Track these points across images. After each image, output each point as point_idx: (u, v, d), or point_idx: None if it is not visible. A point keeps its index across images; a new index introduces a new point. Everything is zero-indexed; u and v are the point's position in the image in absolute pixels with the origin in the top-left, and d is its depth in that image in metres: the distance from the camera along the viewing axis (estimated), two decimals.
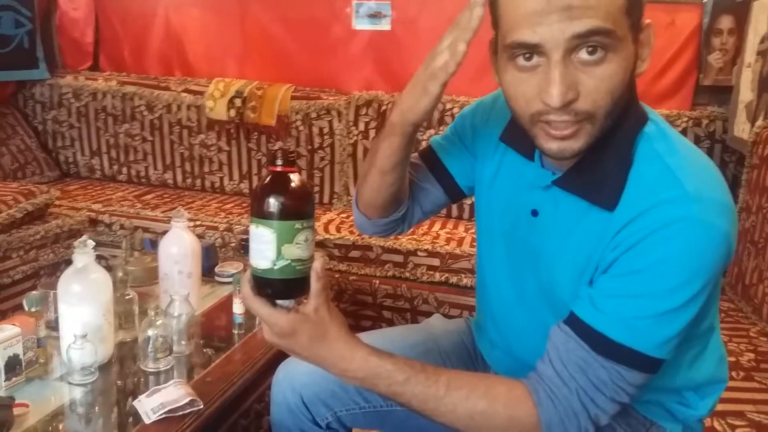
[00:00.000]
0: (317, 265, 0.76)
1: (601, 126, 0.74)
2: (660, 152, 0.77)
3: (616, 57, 0.71)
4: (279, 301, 0.77)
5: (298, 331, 0.78)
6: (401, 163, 0.93)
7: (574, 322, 0.78)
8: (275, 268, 0.73)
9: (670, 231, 0.71)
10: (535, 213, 0.88)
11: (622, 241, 0.75)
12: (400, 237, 2.26)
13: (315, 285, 0.77)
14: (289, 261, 0.73)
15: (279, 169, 0.75)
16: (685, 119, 2.38)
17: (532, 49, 0.71)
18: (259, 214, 0.73)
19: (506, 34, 0.73)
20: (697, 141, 2.36)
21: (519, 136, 0.84)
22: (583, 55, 0.70)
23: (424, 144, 1.09)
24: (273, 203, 0.72)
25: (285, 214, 0.73)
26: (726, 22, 2.43)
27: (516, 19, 0.71)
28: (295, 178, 0.75)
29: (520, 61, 0.73)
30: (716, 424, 1.16)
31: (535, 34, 0.70)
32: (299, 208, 0.74)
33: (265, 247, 0.73)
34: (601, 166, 0.78)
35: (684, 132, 2.36)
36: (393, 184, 0.95)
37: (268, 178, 0.75)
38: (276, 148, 0.72)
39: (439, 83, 0.79)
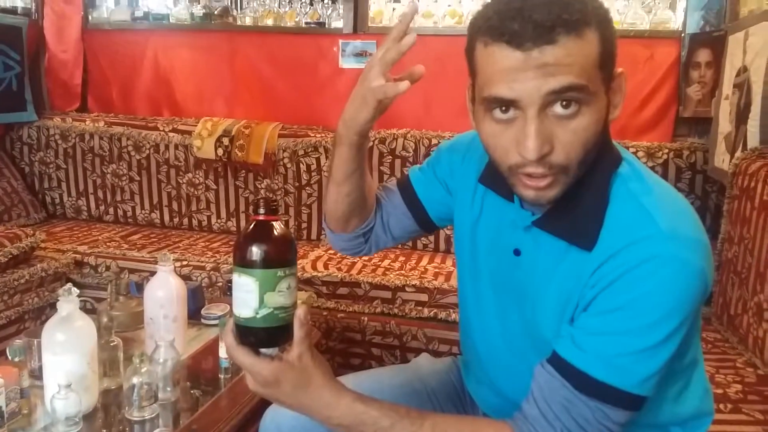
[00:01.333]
0: (300, 312, 0.77)
1: (574, 175, 0.76)
2: (635, 192, 0.79)
3: (589, 110, 0.73)
4: (263, 350, 0.77)
5: (282, 380, 0.78)
6: (354, 174, 0.97)
7: (556, 360, 0.78)
8: (258, 316, 0.74)
9: (646, 269, 0.73)
10: (517, 252, 0.89)
11: (600, 280, 0.77)
12: (388, 273, 2.26)
13: (298, 332, 0.77)
14: (272, 309, 0.74)
15: (261, 217, 0.76)
16: (666, 151, 2.41)
17: (508, 104, 0.73)
18: (242, 262, 0.74)
19: (483, 87, 0.76)
20: (679, 172, 2.39)
21: (497, 179, 0.86)
22: (558, 109, 0.72)
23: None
24: (255, 252, 0.73)
25: (267, 262, 0.73)
26: (703, 56, 2.49)
27: (493, 75, 0.73)
28: (277, 227, 0.76)
29: (497, 113, 0.75)
30: None
31: (512, 90, 0.72)
32: (281, 256, 0.75)
33: (248, 296, 0.74)
34: (578, 207, 0.80)
35: (665, 163, 2.40)
36: (349, 194, 0.99)
37: (250, 227, 0.76)
38: (258, 197, 0.74)
39: (375, 97, 0.84)
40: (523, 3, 0.70)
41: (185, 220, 2.93)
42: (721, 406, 1.36)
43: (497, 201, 0.93)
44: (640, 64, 2.56)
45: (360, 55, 2.82)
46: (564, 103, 0.72)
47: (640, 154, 2.41)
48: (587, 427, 0.76)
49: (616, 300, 0.75)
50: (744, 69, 1.96)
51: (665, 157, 2.40)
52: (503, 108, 0.74)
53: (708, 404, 0.95)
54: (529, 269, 0.88)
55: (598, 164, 0.80)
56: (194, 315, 1.64)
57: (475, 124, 0.82)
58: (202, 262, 2.40)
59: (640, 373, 0.75)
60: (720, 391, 1.43)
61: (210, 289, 2.29)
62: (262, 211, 0.76)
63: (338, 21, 2.87)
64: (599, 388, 0.75)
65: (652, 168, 2.40)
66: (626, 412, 0.77)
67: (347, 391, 0.81)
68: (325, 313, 2.20)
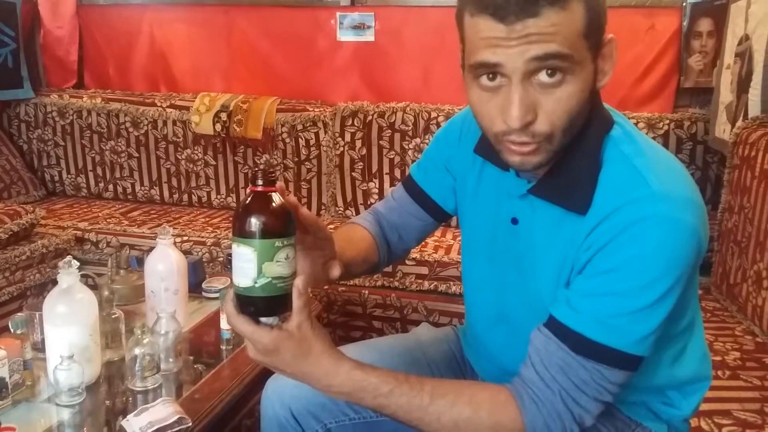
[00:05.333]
0: (299, 282, 0.77)
1: (559, 142, 0.77)
2: (627, 154, 0.80)
3: (574, 79, 0.73)
4: (262, 319, 0.78)
5: (282, 348, 0.78)
6: None
7: (552, 323, 0.79)
8: (256, 285, 0.74)
9: (638, 229, 0.74)
10: (515, 221, 0.90)
11: (594, 242, 0.77)
12: None
13: (297, 302, 0.77)
14: (270, 278, 0.74)
15: (259, 188, 0.76)
16: (667, 121, 2.40)
17: (493, 69, 0.74)
18: (240, 233, 0.74)
19: (470, 54, 0.76)
20: (679, 143, 2.38)
21: (491, 149, 0.86)
22: (542, 77, 0.73)
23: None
24: (253, 222, 0.74)
25: (265, 232, 0.74)
26: (705, 25, 2.46)
27: (478, 42, 0.74)
28: (275, 198, 0.76)
29: (484, 80, 0.76)
30: (703, 424, 1.17)
31: (495, 55, 0.73)
32: (279, 227, 0.75)
33: (247, 266, 0.74)
34: (571, 172, 0.81)
35: (666, 134, 2.39)
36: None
37: (248, 198, 0.76)
38: (256, 168, 0.74)
39: None
40: None
41: (185, 197, 2.92)
42: (720, 372, 1.37)
43: (493, 171, 0.94)
44: (641, 34, 2.54)
45: (358, 27, 2.79)
46: (549, 71, 0.72)
47: (641, 125, 2.40)
48: (585, 388, 0.77)
49: (609, 261, 0.76)
50: (746, 38, 1.94)
51: (666, 127, 2.39)
52: (490, 75, 0.75)
53: (706, 369, 0.96)
54: (526, 237, 0.88)
55: (589, 129, 0.80)
56: (195, 289, 1.65)
57: (466, 91, 0.82)
58: (202, 237, 2.40)
59: (636, 333, 0.76)
60: (718, 358, 1.44)
61: (211, 264, 2.30)
62: (260, 182, 0.76)
63: None
64: (596, 348, 0.76)
65: (653, 139, 2.39)
66: (623, 372, 0.77)
67: (346, 359, 0.81)
68: (326, 287, 2.21)
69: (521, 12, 0.70)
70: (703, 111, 2.46)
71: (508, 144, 0.77)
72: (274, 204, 0.75)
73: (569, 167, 0.81)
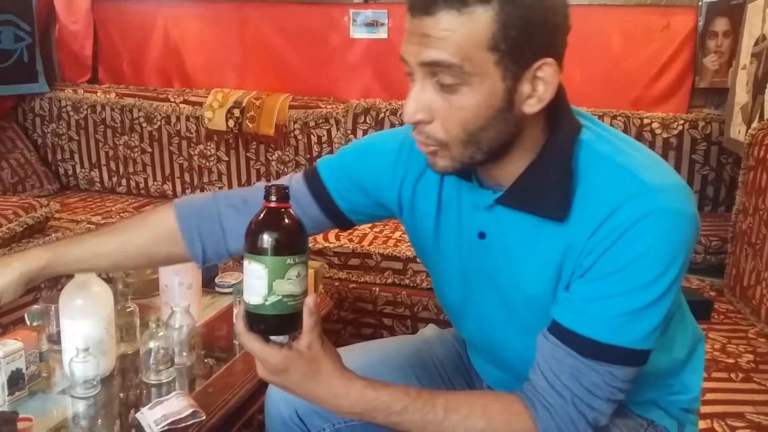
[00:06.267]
0: (309, 300, 0.76)
1: (461, 153, 0.76)
2: (606, 154, 0.78)
3: (470, 90, 0.71)
4: (272, 337, 0.77)
5: (291, 368, 0.77)
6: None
7: (558, 330, 0.78)
8: (267, 303, 0.73)
9: (642, 226, 0.72)
10: (482, 235, 0.86)
11: (597, 245, 0.75)
12: (399, 244, 2.27)
13: (308, 321, 0.76)
14: (281, 296, 0.73)
15: (272, 204, 0.75)
16: (682, 122, 2.39)
17: (404, 64, 0.75)
18: (252, 249, 0.73)
19: None
20: (694, 143, 2.37)
21: None
22: (440, 80, 0.72)
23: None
24: (265, 239, 0.72)
25: (277, 249, 0.73)
26: (721, 25, 2.44)
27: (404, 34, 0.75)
28: (288, 214, 0.75)
29: (405, 72, 0.76)
30: (716, 426, 1.16)
31: (403, 50, 0.74)
32: (291, 244, 0.74)
33: (258, 283, 0.73)
34: (541, 179, 0.78)
35: (680, 134, 2.38)
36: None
37: (260, 214, 0.75)
38: (269, 184, 0.73)
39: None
40: None
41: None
42: (733, 375, 1.37)
43: (454, 185, 0.89)
44: (656, 33, 2.53)
45: (371, 24, 2.79)
46: (441, 77, 0.71)
47: (655, 125, 2.39)
48: (597, 392, 0.77)
49: (616, 262, 0.74)
50: (763, 38, 1.93)
51: (680, 128, 2.38)
52: (407, 71, 0.75)
53: (697, 332, 0.97)
54: (497, 250, 0.85)
55: (554, 135, 0.78)
56: (208, 283, 1.66)
57: None
58: None
59: (644, 329, 0.75)
60: (732, 360, 1.43)
61: None
62: (273, 198, 0.75)
63: None
64: (605, 350, 0.75)
65: (667, 139, 2.38)
66: (633, 368, 0.77)
67: (357, 379, 0.80)
68: (336, 284, 2.22)
69: (420, 8, 0.70)
70: (718, 111, 2.45)
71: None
72: (286, 221, 0.74)
73: (538, 175, 0.79)
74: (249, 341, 0.77)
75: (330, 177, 0.99)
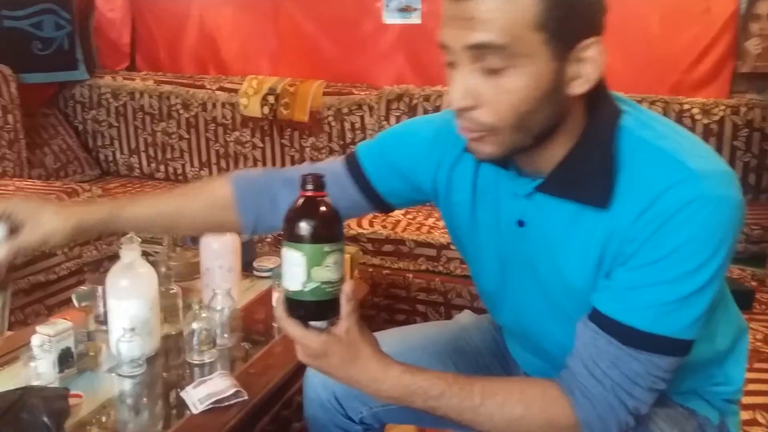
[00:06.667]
0: (347, 287, 0.77)
1: (512, 139, 0.74)
2: (648, 139, 0.76)
3: (518, 73, 0.70)
4: (311, 323, 0.78)
5: (330, 353, 0.78)
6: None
7: (599, 317, 0.77)
8: (306, 290, 0.75)
9: (687, 213, 0.71)
10: (521, 223, 0.86)
11: (640, 232, 0.74)
12: (433, 231, 2.27)
13: (345, 306, 0.77)
14: (319, 283, 0.75)
15: (309, 193, 0.76)
16: (723, 107, 2.33)
17: (445, 50, 0.73)
18: (290, 237, 0.75)
19: None
20: (735, 129, 2.32)
21: None
22: (486, 64, 0.70)
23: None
24: (303, 227, 0.74)
25: (314, 237, 0.74)
26: (764, 7, 2.37)
27: (440, 19, 0.74)
28: (324, 203, 0.76)
29: (446, 59, 0.75)
30: (758, 417, 1.15)
31: (443, 35, 0.72)
32: (328, 232, 0.75)
33: (296, 270, 0.75)
34: (582, 166, 0.77)
35: (721, 121, 2.32)
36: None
37: (298, 203, 0.77)
38: (306, 174, 0.74)
39: None
40: None
41: None
42: None
43: (491, 173, 0.89)
44: (696, 17, 2.46)
45: (404, 9, 2.78)
46: (489, 60, 0.70)
47: (695, 111, 2.34)
48: (638, 380, 0.76)
49: (660, 250, 0.73)
50: None
51: (721, 114, 2.32)
52: (447, 54, 0.74)
53: (741, 323, 0.94)
54: (537, 238, 0.84)
55: (594, 121, 0.77)
56: (246, 267, 1.69)
57: None
58: None
59: (688, 318, 0.74)
60: None
61: (259, 244, 2.34)
62: (310, 186, 0.76)
63: None
64: (647, 339, 0.74)
65: (707, 126, 2.33)
66: (676, 358, 0.76)
67: (395, 364, 0.81)
68: (370, 270, 2.23)
69: None
70: (761, 97, 2.38)
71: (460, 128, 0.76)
72: (323, 209, 0.76)
73: (579, 161, 0.78)
74: (289, 326, 0.78)
75: (369, 161, 1.00)
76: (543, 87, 0.72)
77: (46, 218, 0.93)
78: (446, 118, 0.92)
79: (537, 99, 0.72)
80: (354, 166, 1.01)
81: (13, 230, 0.92)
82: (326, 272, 0.75)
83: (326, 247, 0.74)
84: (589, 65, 0.73)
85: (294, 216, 0.75)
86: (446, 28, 0.72)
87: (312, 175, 0.76)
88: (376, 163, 1.00)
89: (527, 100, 0.72)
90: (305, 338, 0.78)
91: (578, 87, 0.74)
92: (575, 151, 0.78)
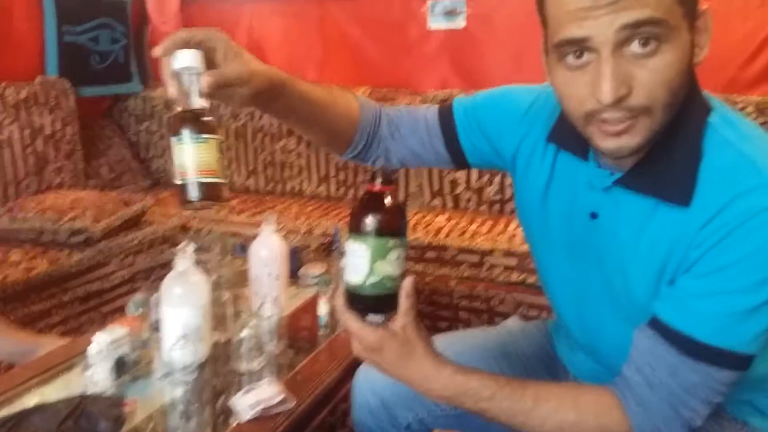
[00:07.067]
0: (407, 283, 0.78)
1: (660, 120, 0.71)
2: (731, 140, 0.74)
3: (670, 47, 0.68)
4: (369, 316, 0.80)
5: (385, 348, 0.79)
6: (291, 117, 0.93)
7: (658, 325, 0.76)
8: (367, 283, 0.76)
9: (756, 222, 0.69)
10: (594, 215, 0.85)
11: (707, 238, 0.72)
12: (476, 237, 2.26)
13: (404, 303, 0.78)
14: (381, 277, 0.76)
15: (377, 188, 0.77)
16: None
17: (580, 45, 0.70)
18: (356, 230, 0.76)
19: (554, 33, 0.72)
20: None
21: (569, 135, 0.81)
22: (635, 47, 0.68)
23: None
24: (369, 221, 0.76)
25: (379, 231, 0.75)
26: None
27: (562, 17, 0.70)
28: (391, 198, 0.77)
29: (570, 59, 0.71)
30: None
31: (582, 28, 0.68)
32: (393, 227, 0.76)
33: (359, 262, 0.76)
34: (667, 161, 0.76)
35: None
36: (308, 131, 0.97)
37: (365, 196, 0.78)
38: (377, 167, 0.75)
39: None
40: None
41: (278, 186, 3.03)
42: None
43: (570, 161, 0.88)
44: (752, 10, 2.38)
45: (450, 13, 2.77)
46: (642, 40, 0.67)
47: (750, 109, 2.26)
48: (695, 392, 0.74)
49: (724, 258, 0.71)
50: None
51: None
52: (576, 53, 0.70)
53: None
54: (608, 232, 0.83)
55: (685, 113, 0.75)
56: (293, 275, 1.71)
57: (549, 76, 0.78)
58: (296, 226, 2.49)
59: (751, 332, 0.72)
60: None
61: (304, 252, 2.37)
62: (378, 180, 0.77)
63: None
64: (707, 351, 0.73)
65: (763, 125, 2.24)
66: (736, 372, 0.74)
67: (448, 363, 0.82)
68: (414, 277, 2.23)
69: None
70: None
71: (601, 124, 0.72)
72: (390, 204, 0.77)
73: (664, 156, 0.76)
74: (347, 318, 0.80)
75: (461, 115, 1.01)
76: (686, 60, 0.71)
77: (248, 56, 0.85)
78: (548, 91, 0.90)
79: (683, 73, 0.71)
80: (447, 119, 1.02)
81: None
82: (389, 267, 0.76)
83: (390, 242, 0.76)
84: (704, 33, 0.73)
85: (361, 209, 0.77)
86: (586, 20, 0.68)
87: (381, 169, 0.77)
88: (468, 118, 1.01)
89: (679, 75, 0.70)
90: (362, 331, 0.79)
91: (697, 57, 0.73)
92: (661, 144, 0.75)
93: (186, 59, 0.76)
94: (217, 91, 0.79)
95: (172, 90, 0.78)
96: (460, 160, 1.03)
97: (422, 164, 1.09)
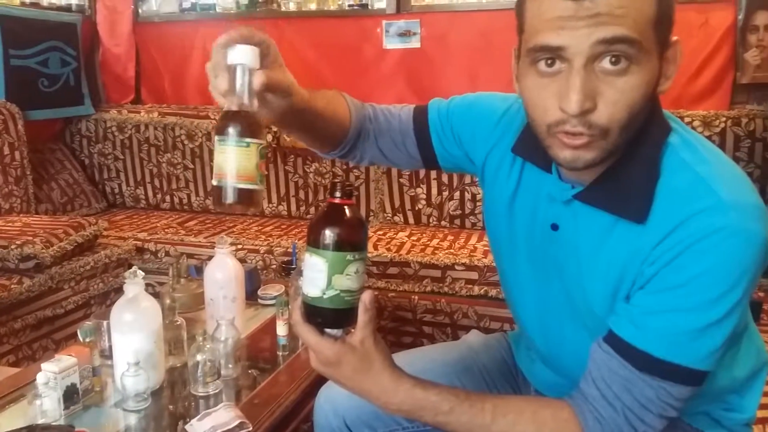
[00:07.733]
0: (366, 297, 0.77)
1: (615, 141, 0.72)
2: (688, 161, 0.75)
3: (639, 69, 0.69)
4: (327, 330, 0.78)
5: (343, 362, 0.78)
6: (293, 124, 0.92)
7: (614, 340, 0.76)
8: (325, 297, 0.75)
9: (710, 242, 0.70)
10: (555, 227, 0.86)
11: (661, 256, 0.73)
12: (437, 252, 2.27)
13: (362, 317, 0.77)
14: (339, 291, 0.75)
15: (336, 201, 0.76)
16: (724, 119, 2.33)
17: (554, 53, 0.70)
18: (314, 243, 0.75)
19: (530, 38, 0.73)
20: (737, 140, 2.31)
21: (534, 148, 0.82)
22: (606, 64, 0.69)
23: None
24: (327, 234, 0.74)
25: (338, 245, 0.74)
26: (762, 18, 2.39)
27: (541, 23, 0.71)
28: (350, 211, 0.76)
29: (542, 66, 0.72)
30: None
31: (560, 37, 0.69)
32: (352, 240, 0.75)
33: (317, 276, 0.75)
34: (626, 178, 0.77)
35: (723, 132, 2.32)
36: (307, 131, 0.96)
37: (324, 209, 0.77)
38: (335, 180, 0.74)
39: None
40: None
41: None
42: None
43: (534, 173, 0.90)
44: (695, 30, 2.48)
45: (404, 34, 2.81)
46: (613, 57, 0.68)
47: (696, 123, 2.34)
48: (650, 406, 0.75)
49: (678, 276, 0.72)
50: None
51: (723, 125, 2.32)
52: (549, 60, 0.71)
53: (762, 356, 0.93)
54: (568, 244, 0.85)
55: (645, 135, 0.76)
56: (251, 296, 1.69)
57: (518, 82, 0.79)
58: (255, 245, 2.46)
59: (704, 349, 0.73)
60: None
61: (264, 272, 2.35)
62: (338, 194, 0.76)
63: (381, 2, 2.87)
64: (661, 366, 0.73)
65: (709, 137, 2.33)
66: (690, 387, 0.75)
67: (406, 377, 0.81)
68: (376, 293, 2.22)
69: None
70: (762, 107, 2.38)
71: (561, 136, 0.72)
72: (349, 217, 0.76)
73: (623, 173, 0.77)
74: (304, 332, 0.78)
75: (435, 118, 1.02)
76: (651, 86, 0.72)
77: (290, 73, 0.84)
78: (521, 101, 0.89)
79: (646, 98, 0.72)
80: (421, 118, 1.03)
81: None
82: (347, 281, 0.75)
83: (349, 256, 0.74)
84: (671, 64, 0.74)
85: (320, 222, 0.76)
86: (564, 30, 0.68)
87: (340, 182, 0.76)
88: (442, 122, 1.02)
89: (643, 98, 0.71)
90: (320, 345, 0.78)
91: (662, 86, 0.74)
92: (621, 162, 0.77)
93: (245, 54, 0.76)
94: (263, 93, 0.78)
95: (222, 83, 0.77)
96: (430, 162, 1.05)
97: (392, 164, 1.09)
